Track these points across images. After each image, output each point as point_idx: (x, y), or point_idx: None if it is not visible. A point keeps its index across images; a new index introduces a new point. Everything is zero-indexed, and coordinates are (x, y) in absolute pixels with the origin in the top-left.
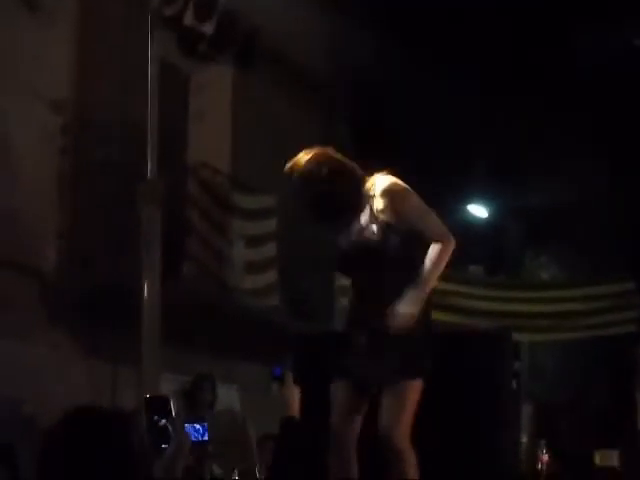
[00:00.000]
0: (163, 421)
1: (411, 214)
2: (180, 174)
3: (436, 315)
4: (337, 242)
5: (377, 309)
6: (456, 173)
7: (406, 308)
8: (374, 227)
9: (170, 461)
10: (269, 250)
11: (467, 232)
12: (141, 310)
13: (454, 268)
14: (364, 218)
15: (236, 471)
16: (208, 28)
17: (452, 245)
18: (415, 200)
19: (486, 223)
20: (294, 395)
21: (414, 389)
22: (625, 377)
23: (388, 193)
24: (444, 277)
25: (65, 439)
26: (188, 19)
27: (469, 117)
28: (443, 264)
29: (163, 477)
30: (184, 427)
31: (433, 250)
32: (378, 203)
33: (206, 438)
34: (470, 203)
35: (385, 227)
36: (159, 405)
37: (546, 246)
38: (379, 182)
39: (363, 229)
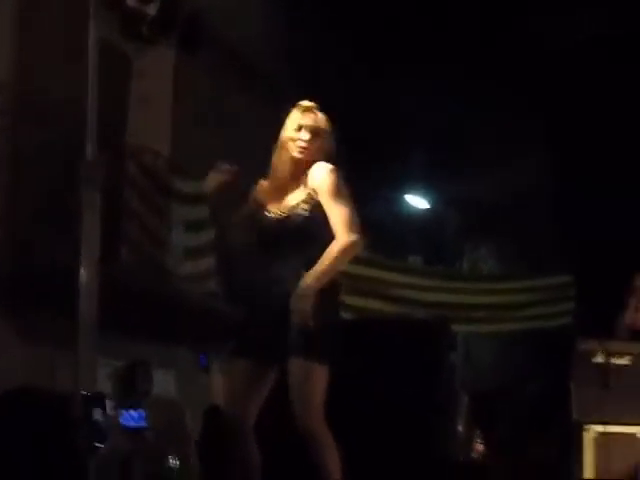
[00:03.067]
0: (98, 416)
1: (331, 192)
2: (120, 157)
3: (374, 304)
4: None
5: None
6: (394, 162)
7: (296, 305)
8: (304, 205)
9: (104, 463)
10: (208, 235)
11: (406, 223)
12: (78, 295)
13: (393, 258)
14: (292, 196)
15: (174, 459)
16: (151, 9)
17: (357, 245)
18: (340, 184)
19: (425, 214)
20: (220, 383)
21: (320, 374)
22: (560, 368)
23: (329, 173)
24: (383, 266)
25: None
26: (131, 0)
27: (408, 103)
28: (340, 263)
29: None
30: (120, 427)
31: (336, 244)
32: (317, 181)
33: (143, 424)
34: (408, 193)
35: (316, 209)
36: (95, 402)
37: (485, 238)
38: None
39: (290, 207)
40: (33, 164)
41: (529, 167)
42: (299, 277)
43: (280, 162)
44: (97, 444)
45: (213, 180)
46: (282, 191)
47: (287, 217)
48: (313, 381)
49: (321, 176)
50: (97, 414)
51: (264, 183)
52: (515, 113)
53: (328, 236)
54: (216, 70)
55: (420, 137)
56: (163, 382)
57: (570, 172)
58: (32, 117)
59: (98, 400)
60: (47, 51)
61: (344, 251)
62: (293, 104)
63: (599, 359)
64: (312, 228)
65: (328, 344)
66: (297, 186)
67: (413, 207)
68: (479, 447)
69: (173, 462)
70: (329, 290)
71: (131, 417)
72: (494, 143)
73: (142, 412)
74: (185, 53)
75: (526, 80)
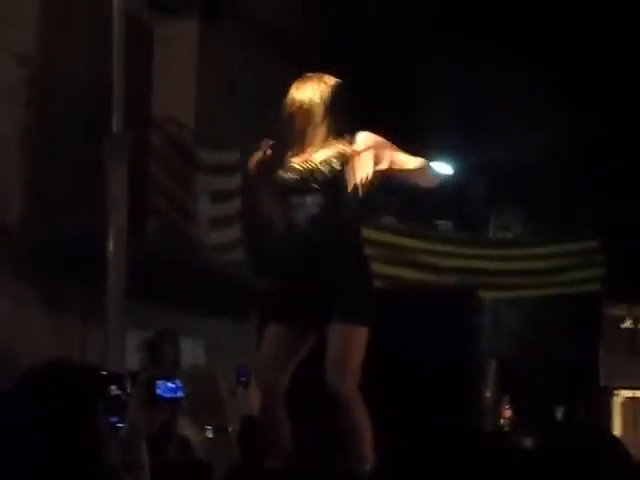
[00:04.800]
0: (117, 393)
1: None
2: (145, 129)
3: (401, 272)
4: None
5: (314, 248)
6: (418, 129)
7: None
8: (335, 161)
9: (127, 443)
10: (234, 205)
11: (432, 189)
12: (106, 265)
13: (420, 224)
14: (320, 152)
15: (209, 428)
16: None
17: (433, 175)
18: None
19: (451, 180)
20: (257, 400)
21: (360, 335)
22: (588, 334)
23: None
24: (409, 234)
25: (30, 396)
26: None
27: (432, 72)
28: (417, 174)
29: (121, 459)
30: (141, 405)
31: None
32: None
33: (180, 395)
34: (433, 160)
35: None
36: (114, 382)
37: (511, 204)
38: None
39: (318, 160)
40: (59, 135)
41: (553, 132)
42: (331, 236)
43: (290, 130)
44: (118, 423)
45: (256, 158)
46: (304, 148)
47: (313, 171)
48: (353, 344)
49: (365, 136)
50: (116, 391)
51: (282, 145)
52: (537, 77)
53: (357, 195)
54: (241, 39)
55: (443, 104)
56: (191, 352)
57: (596, 136)
58: (58, 89)
59: (116, 378)
60: (70, 23)
61: (423, 167)
62: (317, 71)
63: (628, 324)
64: (342, 182)
65: (369, 306)
66: (321, 145)
67: (438, 174)
68: (507, 413)
69: (210, 432)
70: (364, 257)
71: (167, 388)
72: (519, 110)
73: (178, 383)
74: (209, 23)
75: (547, 43)
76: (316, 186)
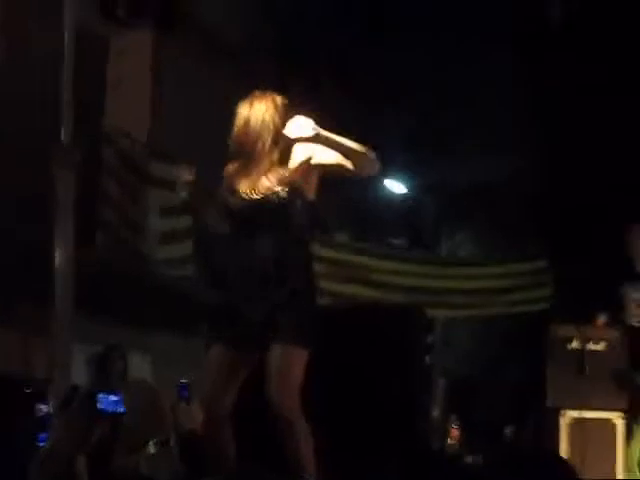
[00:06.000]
0: (44, 409)
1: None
2: (96, 141)
3: (353, 289)
4: (223, 199)
5: (264, 277)
6: (373, 147)
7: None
8: (280, 189)
9: (50, 461)
10: (184, 220)
11: (384, 208)
12: (53, 279)
13: (371, 242)
14: (266, 179)
15: (151, 443)
16: None
17: (375, 162)
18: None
19: (403, 199)
20: (199, 414)
21: (300, 358)
22: (537, 354)
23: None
24: (362, 251)
25: None
26: None
27: (386, 87)
28: (353, 155)
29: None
30: (80, 419)
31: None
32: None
33: (122, 409)
34: (387, 178)
35: (294, 192)
36: (39, 399)
37: (463, 223)
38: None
39: (264, 189)
40: (7, 148)
41: (505, 154)
42: (276, 261)
43: (238, 151)
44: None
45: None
46: (252, 172)
47: (262, 199)
48: (292, 365)
49: (300, 130)
50: (42, 409)
51: (232, 165)
52: (491, 103)
53: (305, 218)
54: (196, 52)
55: (399, 123)
56: (140, 367)
57: (545, 158)
58: (6, 101)
59: (40, 395)
60: (22, 33)
61: (362, 153)
62: (271, 85)
63: (575, 345)
64: (288, 209)
65: (309, 327)
66: (268, 168)
67: (392, 192)
68: (455, 432)
69: (153, 446)
70: (312, 281)
71: (109, 401)
72: (472, 128)
73: (121, 397)
74: (163, 35)
75: (505, 70)
76: (264, 215)
